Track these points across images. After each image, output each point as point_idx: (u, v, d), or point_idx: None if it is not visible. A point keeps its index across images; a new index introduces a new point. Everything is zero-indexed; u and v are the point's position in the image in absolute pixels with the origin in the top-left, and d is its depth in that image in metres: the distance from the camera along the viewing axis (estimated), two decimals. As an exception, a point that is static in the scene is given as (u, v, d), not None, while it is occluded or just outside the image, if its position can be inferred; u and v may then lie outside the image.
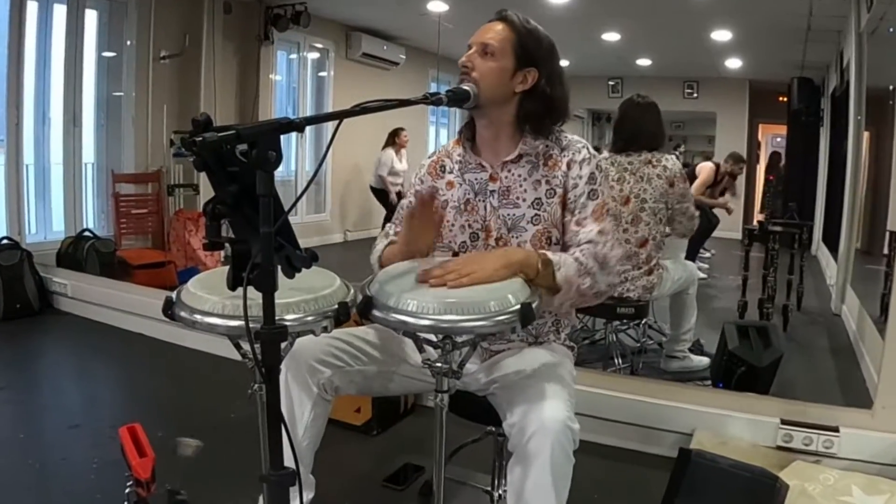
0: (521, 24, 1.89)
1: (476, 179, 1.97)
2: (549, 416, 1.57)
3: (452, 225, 1.99)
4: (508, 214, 1.92)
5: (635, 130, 3.55)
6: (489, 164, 1.95)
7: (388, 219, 2.18)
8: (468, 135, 2.00)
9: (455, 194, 1.99)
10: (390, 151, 7.88)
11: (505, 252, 1.76)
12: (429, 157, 2.11)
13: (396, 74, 8.96)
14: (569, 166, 1.90)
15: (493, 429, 2.10)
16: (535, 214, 1.90)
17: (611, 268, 1.81)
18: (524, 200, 1.91)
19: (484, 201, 1.95)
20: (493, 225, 1.93)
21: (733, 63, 8.84)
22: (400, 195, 7.58)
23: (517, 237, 1.91)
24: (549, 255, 1.76)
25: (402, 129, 7.82)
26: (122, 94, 6.36)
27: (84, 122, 6.02)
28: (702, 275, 5.33)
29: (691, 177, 6.21)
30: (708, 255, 7.28)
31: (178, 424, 3.06)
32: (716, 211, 6.41)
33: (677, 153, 8.12)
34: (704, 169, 6.42)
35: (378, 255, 2.00)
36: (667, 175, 3.47)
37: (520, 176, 1.92)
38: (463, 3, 6.44)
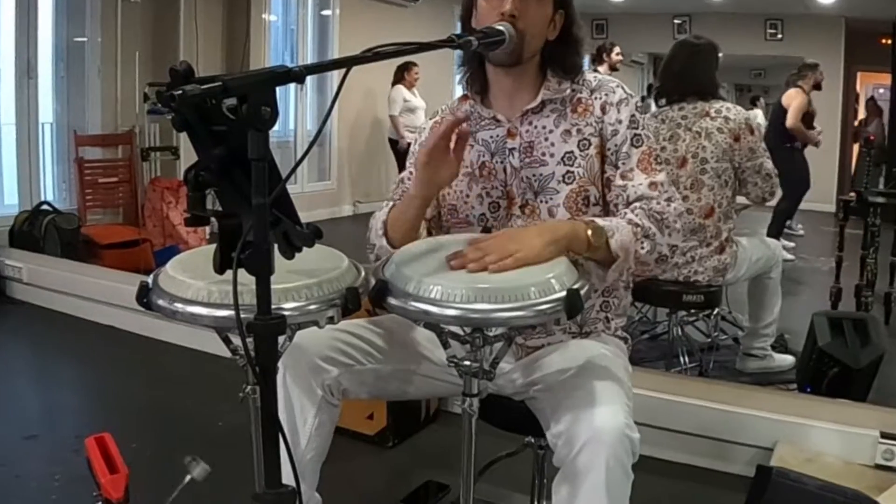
0: None
1: (491, 138, 1.97)
2: (603, 423, 1.56)
3: (467, 196, 1.99)
4: (534, 175, 1.92)
5: (681, 75, 3.54)
6: (505, 117, 1.95)
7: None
8: (476, 87, 2.00)
9: (467, 158, 1.98)
10: (401, 88, 7.92)
11: (549, 226, 1.76)
12: (431, 119, 2.12)
13: (415, 13, 8.94)
14: (603, 110, 1.90)
15: (533, 440, 2.11)
16: (567, 171, 1.90)
17: (671, 226, 1.80)
18: (552, 156, 1.91)
19: (503, 162, 1.95)
20: (515, 190, 1.94)
21: (826, -4, 8.74)
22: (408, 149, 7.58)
23: (547, 201, 1.91)
24: (598, 220, 1.75)
25: (412, 63, 7.83)
26: (85, 39, 6.40)
27: (40, 73, 6.07)
28: (787, 256, 5.29)
29: (777, 117, 6.15)
30: (799, 232, 7.19)
31: (157, 433, 3.09)
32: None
33: (758, 106, 7.97)
34: (795, 95, 6.33)
35: (381, 222, 1.94)
36: (729, 127, 3.42)
37: (544, 128, 1.93)
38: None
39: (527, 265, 1.58)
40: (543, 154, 1.92)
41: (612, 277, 1.78)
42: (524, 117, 1.94)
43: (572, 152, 1.90)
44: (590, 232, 1.71)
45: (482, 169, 1.97)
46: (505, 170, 1.95)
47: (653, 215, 1.79)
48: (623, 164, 1.87)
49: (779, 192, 3.62)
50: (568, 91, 1.93)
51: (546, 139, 1.92)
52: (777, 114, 6.22)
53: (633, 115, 1.89)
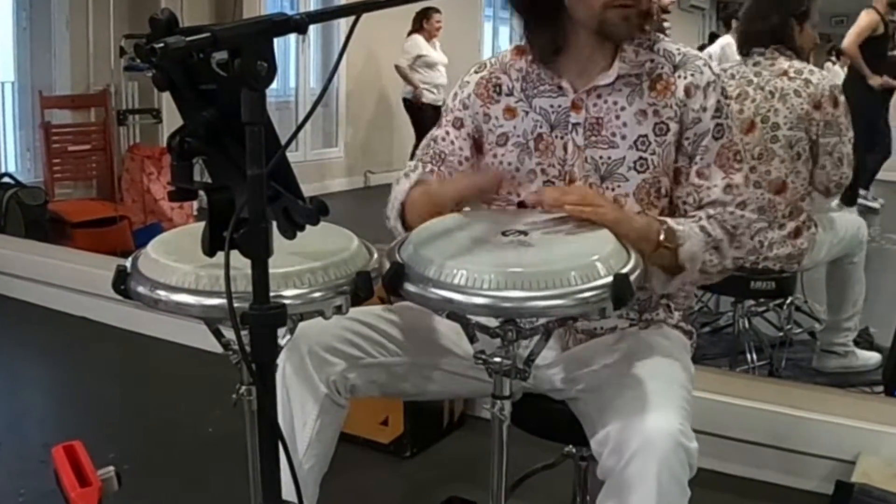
0: None
1: (551, 107, 1.96)
2: (655, 428, 1.56)
3: (517, 169, 1.98)
4: (601, 157, 1.91)
5: (758, 17, 3.50)
6: (570, 86, 1.94)
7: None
8: (544, 42, 1.94)
9: (519, 126, 1.98)
10: (418, 38, 7.88)
11: (624, 211, 1.78)
12: (475, 71, 2.09)
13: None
14: (687, 92, 1.88)
15: (574, 449, 2.12)
16: (640, 158, 1.89)
17: (741, 239, 1.84)
18: (623, 138, 1.90)
19: (564, 138, 1.94)
20: (577, 171, 1.93)
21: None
22: (426, 110, 7.53)
23: (615, 188, 1.90)
24: (672, 223, 1.77)
25: (434, 9, 7.75)
26: (52, -16, 6.42)
27: (-1, 25, 6.10)
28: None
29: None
30: (875, 204, 7.12)
31: (136, 442, 3.12)
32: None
33: (834, 60, 7.87)
34: (864, 16, 6.24)
35: (401, 200, 1.95)
36: (809, 92, 3.36)
37: (616, 104, 1.91)
38: None
39: (603, 225, 1.63)
40: (613, 134, 1.91)
41: (674, 287, 1.82)
42: (593, 91, 1.92)
43: (647, 136, 1.89)
44: (662, 236, 1.73)
45: (538, 141, 1.96)
46: (566, 147, 1.94)
47: (726, 226, 1.82)
48: (701, 158, 1.87)
49: (845, 183, 3.55)
50: (647, 64, 1.90)
51: (617, 117, 1.90)
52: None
53: (719, 102, 1.89)
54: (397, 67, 7.86)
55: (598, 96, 1.92)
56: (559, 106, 1.94)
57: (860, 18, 6.15)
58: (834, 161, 3.41)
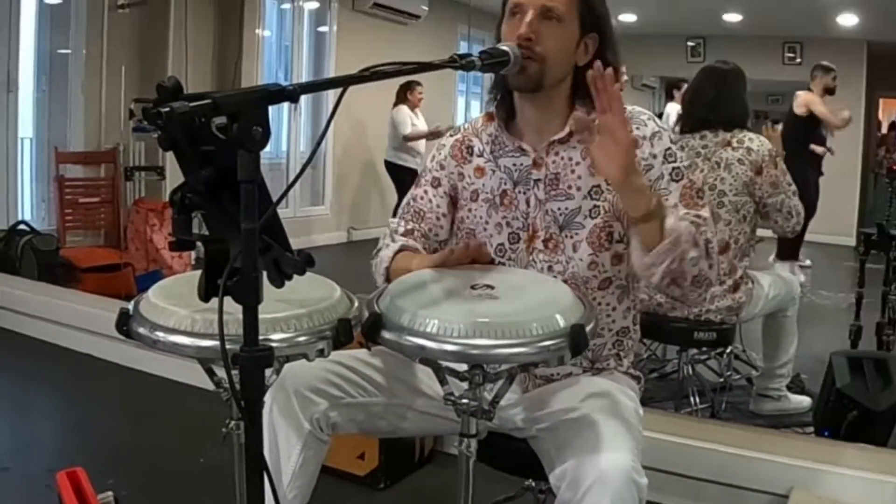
0: None
1: (515, 166, 1.98)
2: (609, 464, 1.56)
3: (486, 222, 2.00)
4: (559, 209, 1.92)
5: (712, 104, 3.53)
6: (531, 147, 1.95)
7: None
8: (503, 113, 2.00)
9: (487, 184, 2.00)
10: (404, 108, 7.91)
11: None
12: (451, 135, 2.12)
13: (417, 30, 8.99)
14: (635, 143, 1.88)
15: (533, 483, 2.10)
16: (594, 206, 1.90)
17: (713, 257, 1.81)
18: (578, 189, 1.91)
19: (526, 193, 1.96)
20: (539, 222, 1.94)
21: (847, 20, 8.77)
22: (406, 172, 7.55)
23: (572, 236, 1.91)
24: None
25: (416, 82, 7.77)
26: (69, 51, 6.43)
27: (21, 86, 6.10)
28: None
29: (786, 127, 6.15)
30: (806, 262, 7.15)
31: (134, 470, 3.08)
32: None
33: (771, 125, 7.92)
34: (803, 94, 6.33)
35: (385, 266, 1.96)
36: (751, 159, 3.41)
37: (571, 160, 1.93)
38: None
39: (626, 153, 1.67)
40: (570, 187, 1.92)
41: (649, 266, 1.75)
42: (551, 147, 1.93)
43: (599, 186, 1.90)
44: (654, 200, 1.73)
45: (503, 197, 1.98)
46: (528, 201, 1.95)
47: (698, 239, 1.78)
48: (665, 200, 1.85)
49: (798, 230, 3.60)
50: (597, 121, 1.92)
51: (573, 171, 1.92)
52: (786, 123, 6.19)
53: (668, 149, 1.89)
54: (404, 137, 7.85)
55: (556, 153, 1.93)
56: (522, 164, 1.96)
57: (808, 95, 6.27)
58: (784, 215, 3.48)
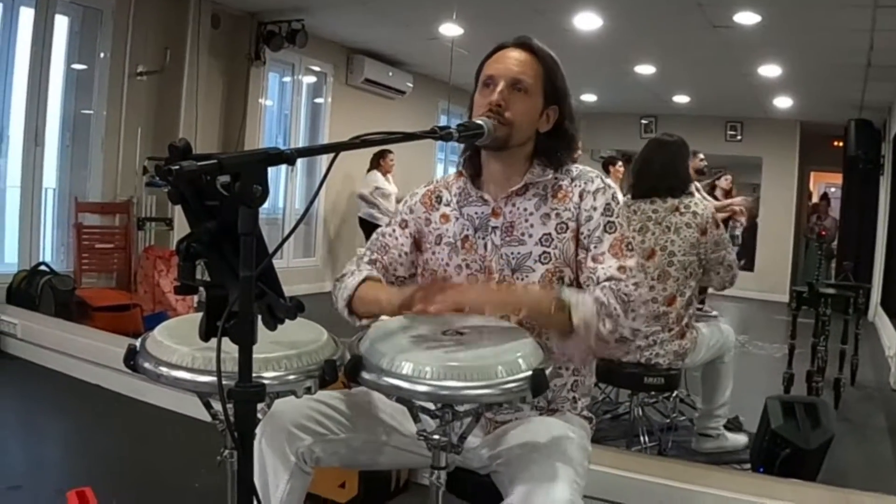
0: (546, 55, 1.96)
1: (476, 214, 2.00)
2: (550, 498, 1.57)
3: (447, 264, 2.01)
4: (512, 253, 1.94)
5: (663, 174, 3.57)
6: (492, 198, 1.98)
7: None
8: (471, 170, 2.03)
9: (451, 229, 2.02)
10: (376, 173, 7.97)
11: (515, 293, 1.82)
12: (424, 186, 2.15)
13: (402, 104, 9.07)
14: (581, 197, 1.92)
15: (496, 512, 2.08)
16: (544, 252, 1.91)
17: (636, 309, 1.81)
18: (530, 237, 1.93)
19: (484, 238, 1.97)
20: (494, 265, 1.95)
21: (782, 102, 8.92)
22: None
23: (523, 277, 1.92)
24: (566, 294, 1.77)
25: (388, 150, 7.87)
26: (91, 112, 6.43)
27: (47, 141, 6.08)
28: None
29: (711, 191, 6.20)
30: (712, 313, 7.17)
31: (136, 491, 3.03)
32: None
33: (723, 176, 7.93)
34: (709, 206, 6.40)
35: (349, 293, 1.97)
36: (697, 223, 3.45)
37: (525, 210, 1.95)
38: (479, 28, 6.49)
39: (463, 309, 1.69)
40: (523, 234, 1.94)
41: (572, 349, 1.80)
42: (508, 198, 1.96)
43: (550, 234, 1.92)
44: (553, 307, 1.74)
45: (464, 242, 1.99)
46: (486, 246, 1.97)
47: (620, 296, 1.79)
48: (595, 247, 1.88)
49: (735, 282, 3.64)
50: (551, 177, 1.96)
51: (526, 220, 1.94)
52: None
53: (608, 203, 1.91)
54: (360, 195, 7.93)
55: (513, 203, 1.96)
56: (482, 213, 1.99)
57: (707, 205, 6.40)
58: (725, 267, 3.53)
